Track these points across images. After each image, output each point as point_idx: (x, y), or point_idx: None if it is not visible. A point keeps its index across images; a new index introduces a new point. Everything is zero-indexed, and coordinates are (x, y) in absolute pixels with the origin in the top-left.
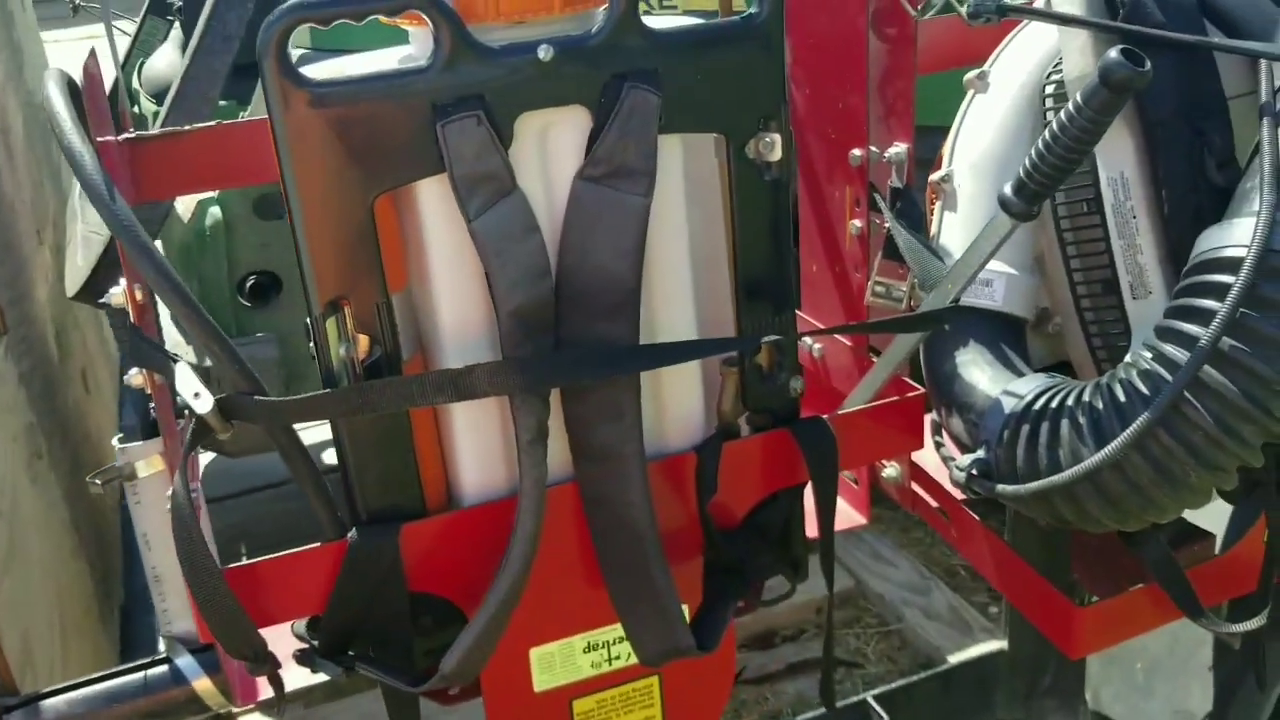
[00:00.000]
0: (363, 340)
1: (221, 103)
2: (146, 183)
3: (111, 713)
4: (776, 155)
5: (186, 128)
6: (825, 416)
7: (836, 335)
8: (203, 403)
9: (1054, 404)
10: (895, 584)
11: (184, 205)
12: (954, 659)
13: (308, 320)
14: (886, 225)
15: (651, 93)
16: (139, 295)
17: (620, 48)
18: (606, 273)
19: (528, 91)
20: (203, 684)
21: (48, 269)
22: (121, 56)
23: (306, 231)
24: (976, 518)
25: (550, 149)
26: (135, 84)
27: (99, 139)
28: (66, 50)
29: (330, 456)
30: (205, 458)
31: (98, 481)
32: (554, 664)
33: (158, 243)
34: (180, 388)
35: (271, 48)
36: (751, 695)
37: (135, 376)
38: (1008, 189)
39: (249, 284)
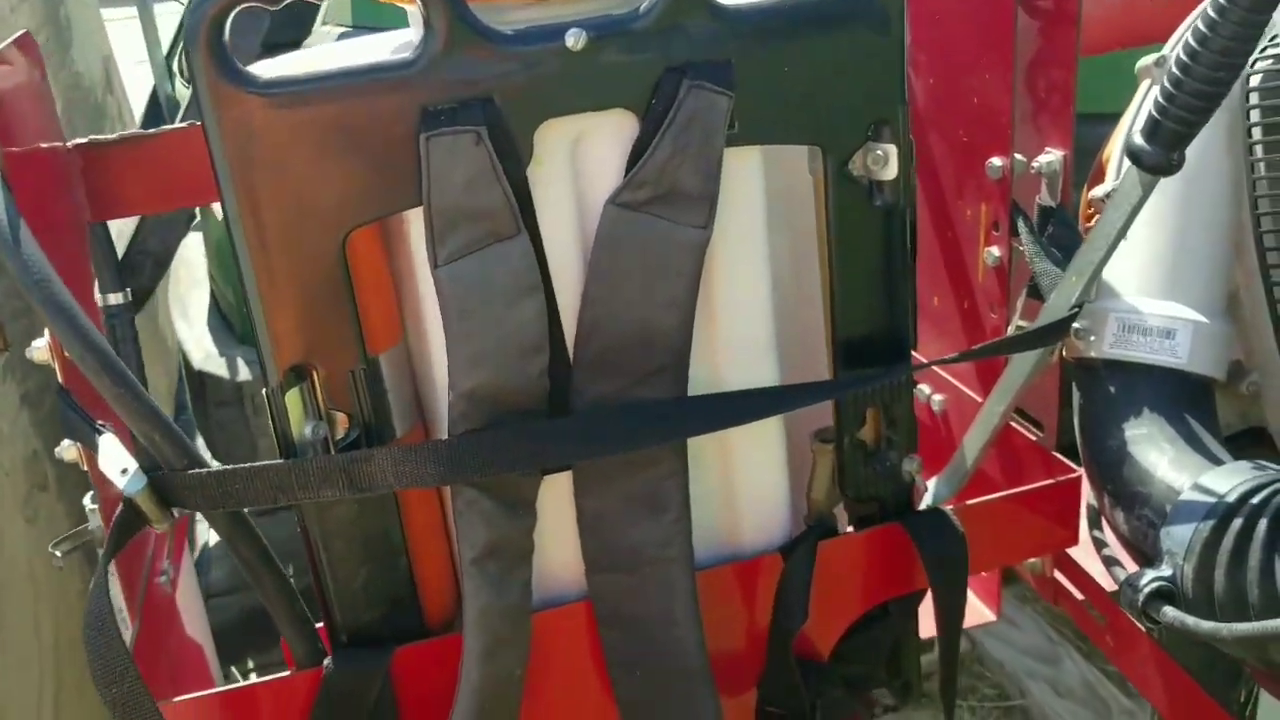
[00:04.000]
0: (339, 417)
1: None
2: (105, 198)
3: None
4: (891, 172)
5: (154, 130)
6: (950, 508)
7: (961, 386)
8: (130, 482)
9: (1269, 512)
10: (1018, 649)
11: None
12: None
13: (264, 390)
14: (1027, 258)
15: (719, 92)
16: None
17: (678, 32)
18: (645, 328)
19: (552, 92)
20: None
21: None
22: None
23: (256, 277)
24: (1141, 626)
25: (583, 167)
26: (176, 65)
27: (42, 145)
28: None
29: None
30: None
31: (58, 553)
32: None
33: (195, 238)
34: (104, 464)
35: (201, 36)
36: None
37: (68, 449)
38: (1138, 135)
39: None
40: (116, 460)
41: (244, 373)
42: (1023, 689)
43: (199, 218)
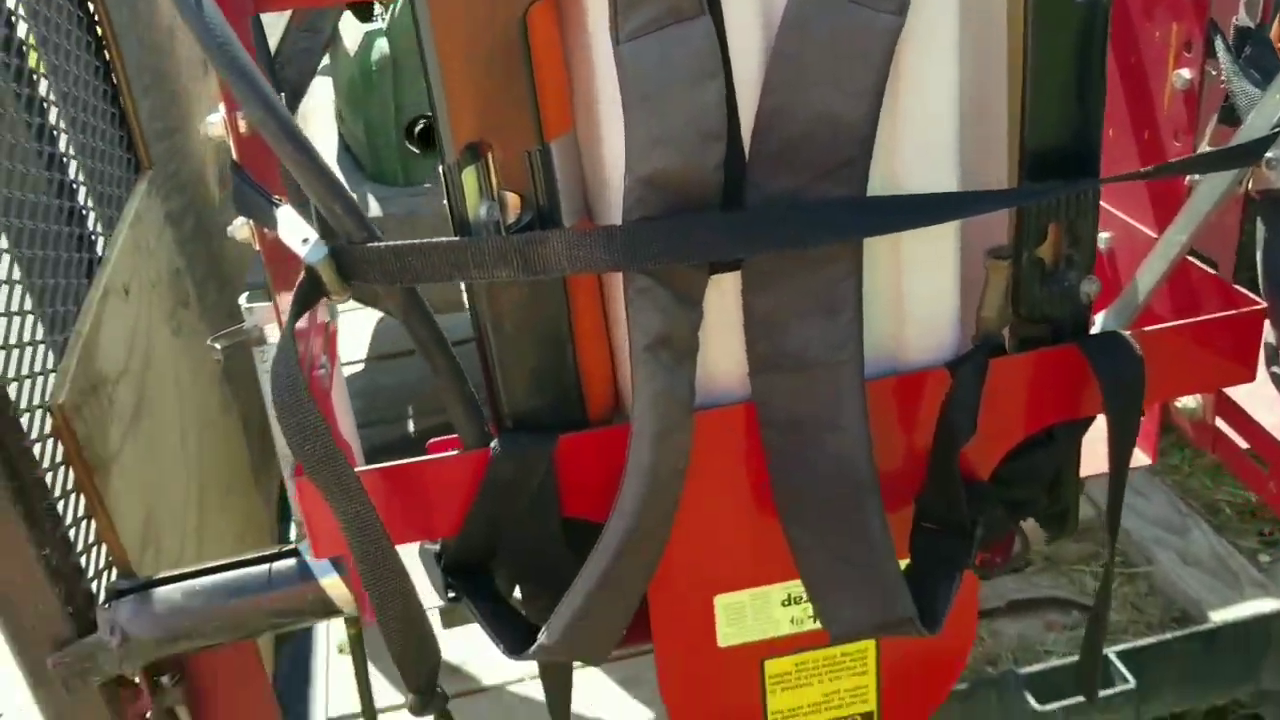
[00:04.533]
0: (510, 199)
1: None
2: None
3: (229, 608)
4: None
5: None
6: (1128, 332)
7: (1133, 222)
8: (312, 250)
9: None
10: (1146, 519)
11: (351, 38)
12: (1216, 617)
13: (440, 168)
14: (1224, 79)
15: None
16: (242, 126)
17: None
18: (830, 120)
19: None
20: (332, 583)
21: (216, 101)
22: None
23: (438, 50)
24: None
25: None
26: None
27: None
28: None
29: None
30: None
31: (217, 345)
32: (744, 617)
33: (324, 81)
34: (283, 233)
35: None
36: None
37: (240, 229)
38: None
39: (418, 129)
40: (296, 230)
41: (374, 208)
42: (1149, 557)
43: (326, 59)
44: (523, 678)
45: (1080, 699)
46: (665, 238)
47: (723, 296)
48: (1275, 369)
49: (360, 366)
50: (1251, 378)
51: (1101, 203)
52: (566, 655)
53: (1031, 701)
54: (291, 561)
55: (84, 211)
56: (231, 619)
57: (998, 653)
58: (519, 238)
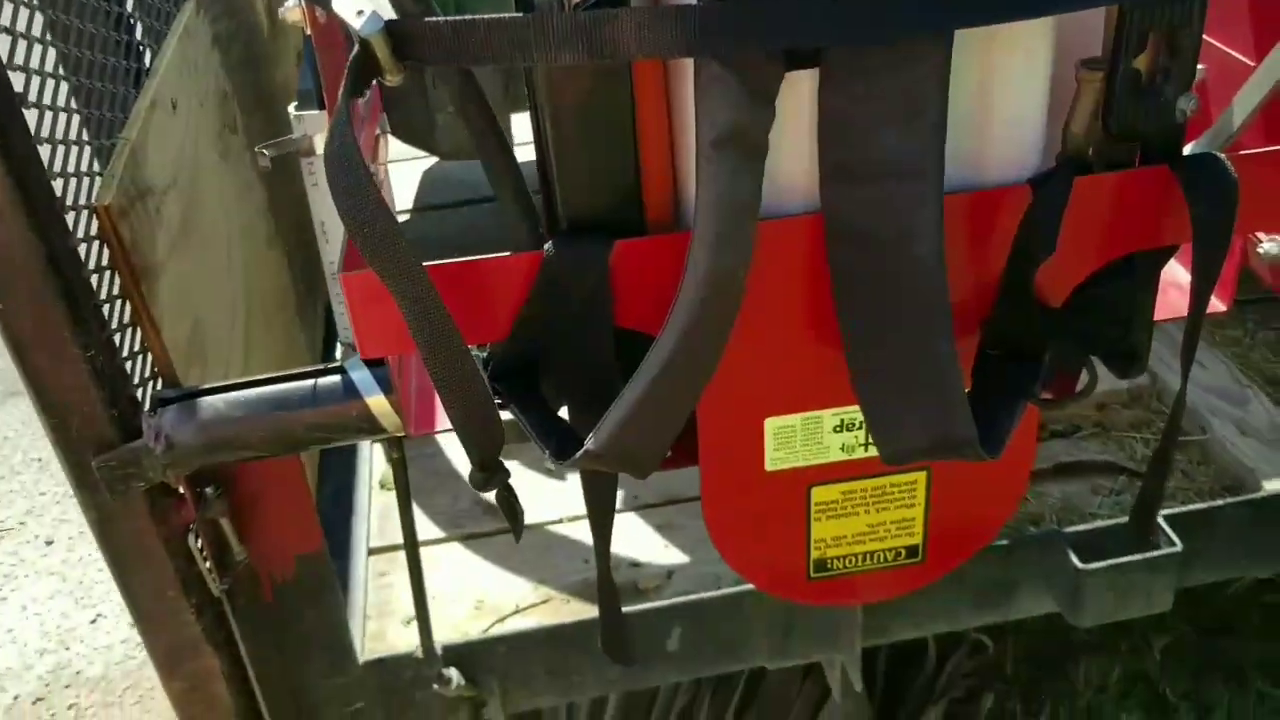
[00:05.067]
0: None
1: None
2: None
3: (273, 419)
4: None
5: None
6: (1224, 154)
7: (1230, 51)
8: (368, 23)
9: None
10: (1203, 387)
11: None
12: (1270, 487)
13: None
14: None
15: None
16: None
17: None
18: None
19: None
20: (377, 402)
21: None
22: None
23: None
24: None
25: None
26: None
27: None
28: None
29: None
30: (423, 163)
31: (265, 152)
32: (794, 440)
33: None
34: (338, 5)
35: None
36: None
37: (292, 9)
38: None
39: None
40: (351, 2)
41: None
42: (1203, 426)
43: None
44: (560, 519)
45: (1123, 559)
46: (742, 19)
47: (797, 97)
48: None
49: (405, 218)
50: None
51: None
52: (612, 464)
53: (1074, 559)
54: (336, 378)
55: (130, 19)
56: (275, 430)
57: (1041, 513)
58: (587, 15)
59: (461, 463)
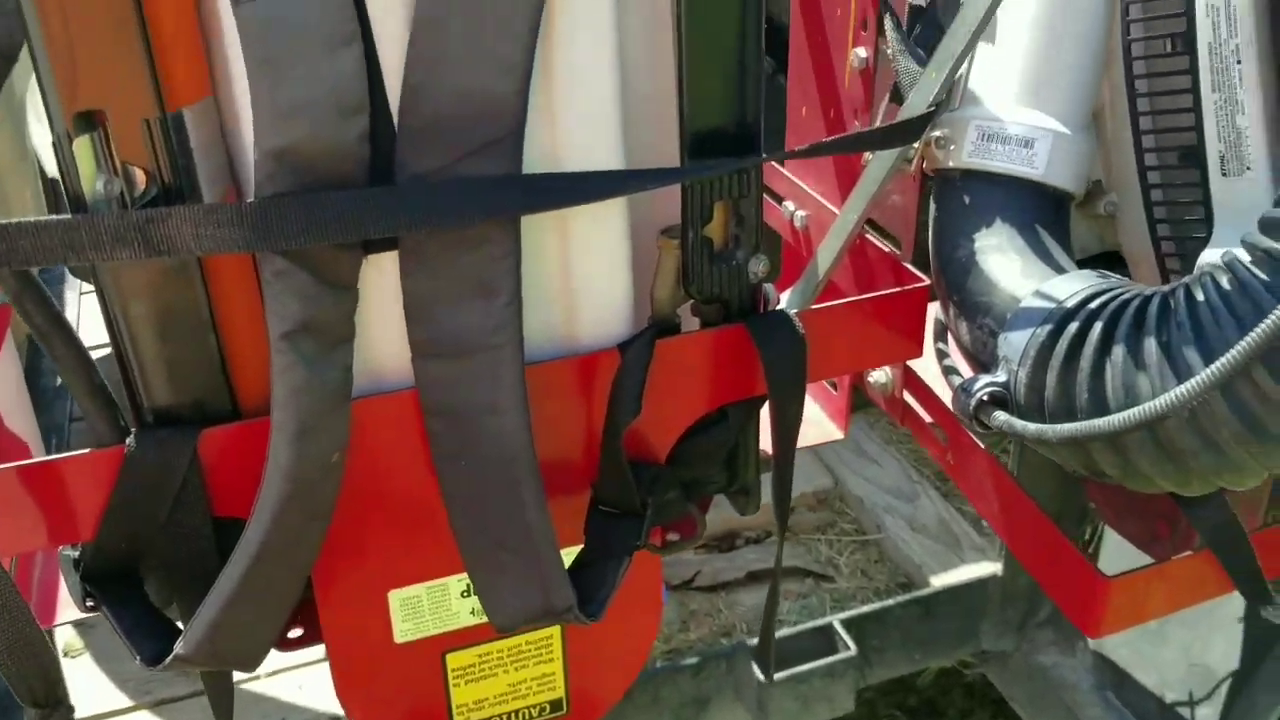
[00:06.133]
0: (137, 175)
1: None
2: None
3: None
4: None
5: None
6: (792, 311)
7: (823, 201)
8: None
9: (1104, 316)
10: (878, 486)
11: None
12: (938, 581)
13: (50, 140)
14: (892, 57)
15: None
16: None
17: None
18: (478, 94)
19: None
20: None
21: None
22: None
23: (39, 9)
24: (982, 444)
25: None
26: None
27: None
28: None
29: None
30: None
31: None
32: (421, 610)
33: None
34: None
35: None
36: (704, 605)
37: None
38: None
39: None
40: None
41: None
42: (879, 524)
43: None
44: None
45: (803, 668)
46: (301, 214)
47: (383, 276)
48: (941, 345)
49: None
50: (918, 354)
51: (797, 180)
52: (209, 664)
53: (757, 672)
54: None
55: None
56: None
57: (733, 623)
58: (140, 214)
59: None
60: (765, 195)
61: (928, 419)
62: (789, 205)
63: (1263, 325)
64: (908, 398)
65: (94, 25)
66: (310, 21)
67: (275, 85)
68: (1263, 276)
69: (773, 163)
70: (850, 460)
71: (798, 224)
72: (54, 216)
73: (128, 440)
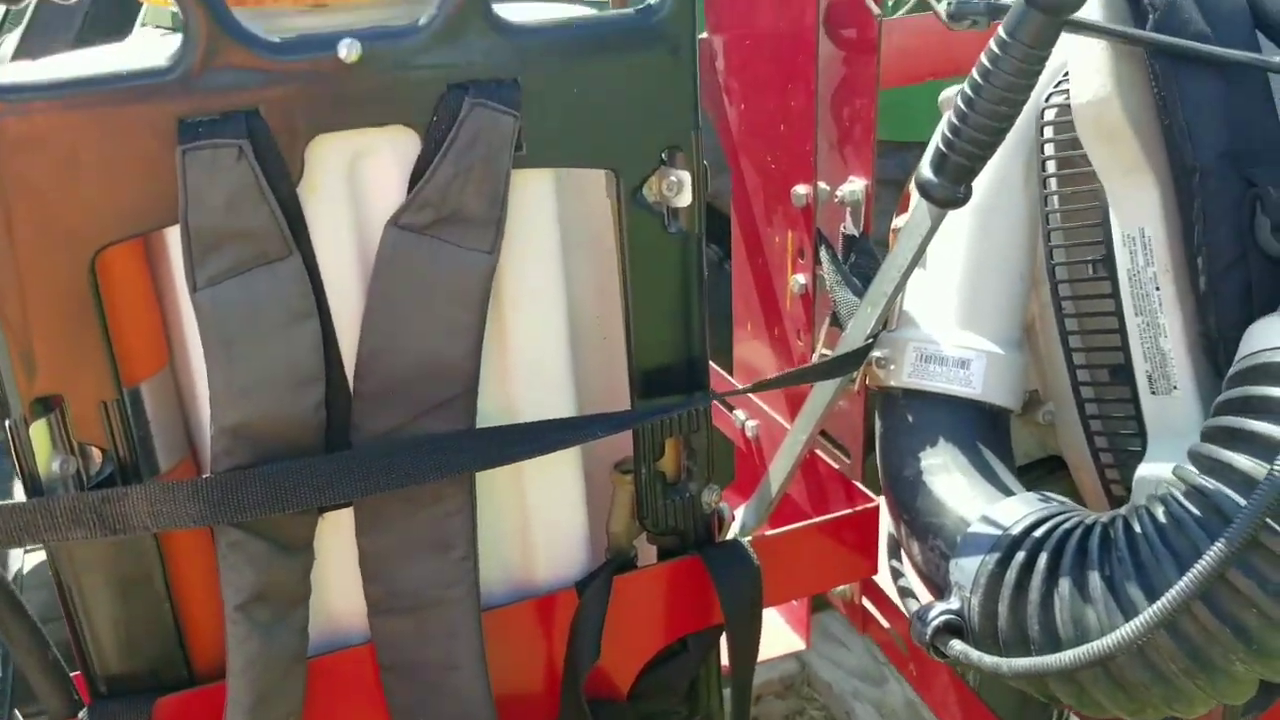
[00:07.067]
0: (92, 452)
1: None
2: None
3: None
4: (685, 200)
5: None
6: (746, 539)
7: (772, 413)
8: None
9: (1049, 546)
10: (846, 671)
11: None
12: None
13: (7, 423)
14: (828, 288)
15: (504, 112)
16: None
17: (460, 47)
18: (429, 358)
19: (324, 106)
20: None
21: None
22: None
23: None
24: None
25: (362, 187)
26: None
27: None
28: None
29: None
30: None
31: None
32: None
33: None
34: None
35: None
36: None
37: None
38: (926, 168)
39: None
40: None
41: None
42: (848, 710)
43: None
44: None
45: None
46: (256, 487)
47: (339, 533)
48: (894, 563)
49: None
50: (873, 571)
51: (753, 397)
52: None
53: None
54: None
55: None
56: None
57: None
58: (95, 495)
59: None
60: (716, 404)
61: (888, 626)
62: (740, 414)
63: (1199, 566)
64: (867, 604)
65: (52, 310)
66: (267, 303)
67: (231, 366)
68: (1195, 512)
69: (722, 372)
70: (817, 644)
71: (749, 433)
72: (9, 501)
73: (81, 714)
